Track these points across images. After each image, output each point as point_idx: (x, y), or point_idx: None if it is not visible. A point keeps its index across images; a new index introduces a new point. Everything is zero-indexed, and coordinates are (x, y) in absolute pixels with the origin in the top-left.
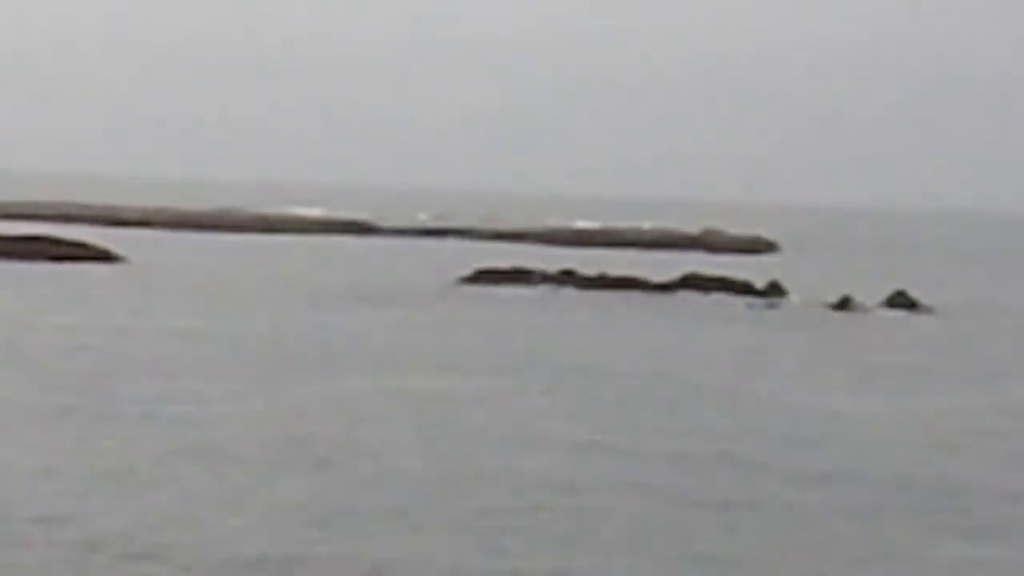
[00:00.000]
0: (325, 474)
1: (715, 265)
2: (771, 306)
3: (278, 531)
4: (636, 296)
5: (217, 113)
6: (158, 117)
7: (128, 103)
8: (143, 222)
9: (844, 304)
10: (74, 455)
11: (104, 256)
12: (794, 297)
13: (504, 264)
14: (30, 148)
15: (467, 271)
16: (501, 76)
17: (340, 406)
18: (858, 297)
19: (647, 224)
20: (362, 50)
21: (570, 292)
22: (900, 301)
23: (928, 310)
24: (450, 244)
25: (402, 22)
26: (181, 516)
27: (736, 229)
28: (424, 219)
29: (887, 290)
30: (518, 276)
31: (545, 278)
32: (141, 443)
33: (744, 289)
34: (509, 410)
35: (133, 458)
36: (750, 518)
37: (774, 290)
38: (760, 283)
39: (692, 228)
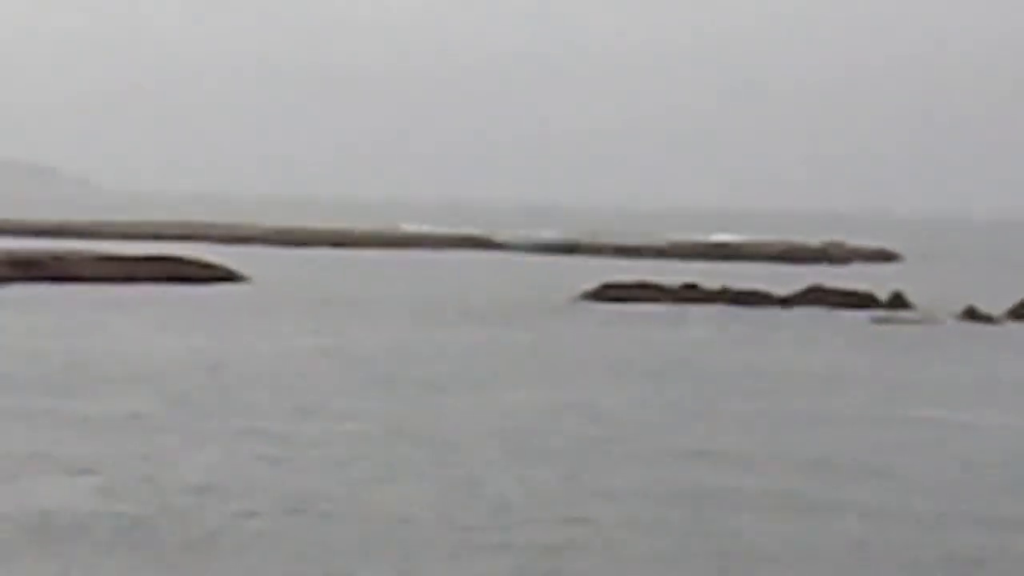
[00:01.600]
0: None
1: (838, 277)
2: (895, 318)
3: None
4: (759, 310)
5: (346, 131)
6: (282, 136)
7: (249, 123)
8: (266, 240)
9: (970, 315)
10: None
11: (228, 276)
12: (918, 308)
13: (628, 279)
14: (159, 169)
15: (591, 286)
16: (624, 91)
17: (479, 420)
18: (983, 307)
19: (769, 236)
20: (485, 65)
21: (693, 306)
22: None
23: None
24: (573, 260)
25: (526, 36)
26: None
27: (858, 240)
28: (548, 234)
29: (1011, 300)
30: (642, 291)
31: (667, 292)
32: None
33: (867, 301)
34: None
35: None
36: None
37: (897, 301)
38: (883, 295)
39: (814, 240)
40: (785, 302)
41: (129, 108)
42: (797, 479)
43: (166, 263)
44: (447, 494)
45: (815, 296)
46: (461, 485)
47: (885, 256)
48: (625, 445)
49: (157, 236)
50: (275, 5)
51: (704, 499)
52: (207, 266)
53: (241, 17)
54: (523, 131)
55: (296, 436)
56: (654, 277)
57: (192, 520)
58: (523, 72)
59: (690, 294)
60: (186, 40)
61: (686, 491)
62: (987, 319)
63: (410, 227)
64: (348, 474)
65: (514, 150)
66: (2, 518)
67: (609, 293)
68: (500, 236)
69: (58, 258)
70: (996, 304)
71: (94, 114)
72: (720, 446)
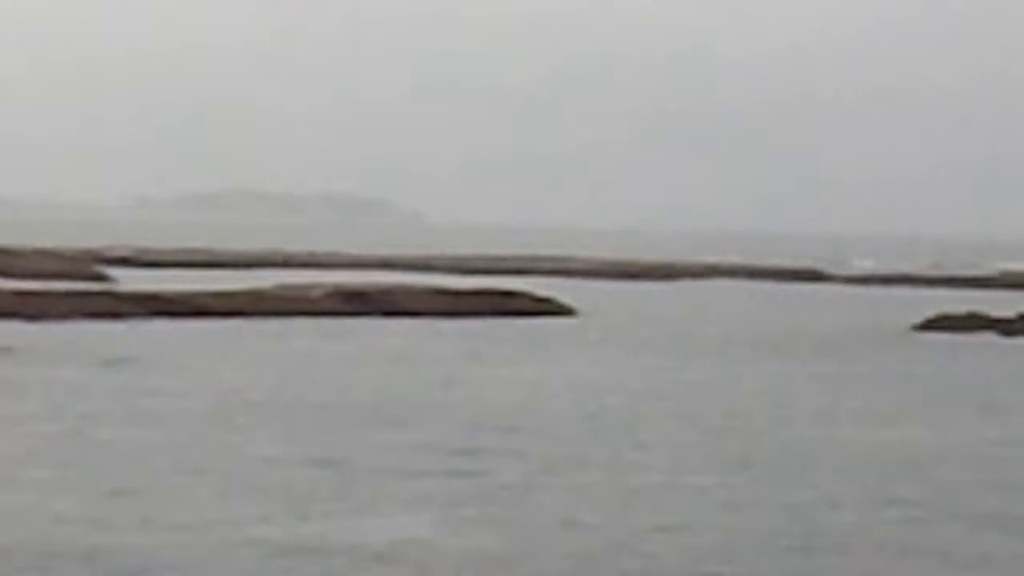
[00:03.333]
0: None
1: None
2: None
3: None
4: None
5: (655, 163)
6: (604, 168)
7: (577, 156)
8: (594, 273)
9: None
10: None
11: (557, 309)
12: None
13: (960, 310)
14: (489, 203)
15: (922, 317)
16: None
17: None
18: None
19: None
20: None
21: None
22: None
23: None
24: (902, 290)
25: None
26: None
27: None
28: (872, 266)
29: None
30: (974, 321)
31: (1001, 323)
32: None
33: None
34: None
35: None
36: None
37: None
38: None
39: None
40: None
41: (471, 143)
42: None
43: (494, 296)
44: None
45: None
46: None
47: None
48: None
49: (486, 270)
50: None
51: None
52: (536, 299)
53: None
54: (843, 163)
55: (625, 478)
56: (986, 308)
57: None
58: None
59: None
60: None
61: None
62: None
63: (716, 259)
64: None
65: (852, 183)
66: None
67: (942, 324)
68: (830, 268)
69: (387, 291)
70: None
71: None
72: None
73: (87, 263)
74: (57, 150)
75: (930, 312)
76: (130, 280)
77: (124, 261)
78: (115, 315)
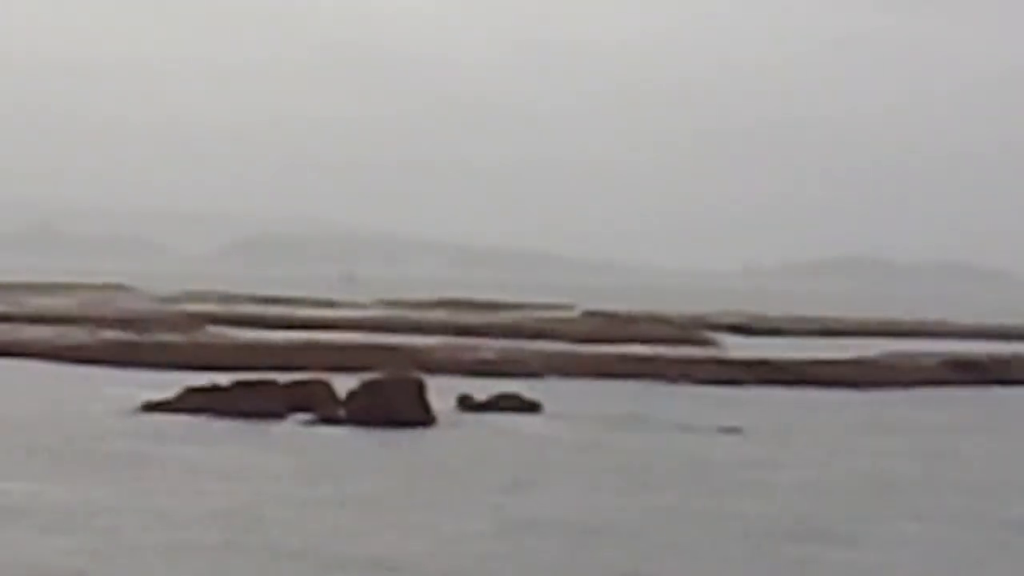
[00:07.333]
0: None
1: None
2: None
3: None
4: None
5: None
6: None
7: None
8: None
9: None
10: None
11: None
12: None
13: None
14: None
15: None
16: None
17: None
18: None
19: None
20: None
21: None
22: None
23: None
24: None
25: None
26: None
27: None
28: None
29: None
30: None
31: None
32: None
33: None
34: None
35: None
36: None
37: None
38: None
39: None
40: None
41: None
42: None
43: None
44: None
45: None
46: None
47: None
48: None
49: None
50: None
51: None
52: None
53: None
54: None
55: None
56: None
57: None
58: None
59: None
60: None
61: None
62: None
63: None
64: None
65: None
66: None
67: None
68: None
69: (1001, 361)
70: None
71: None
72: None
73: (697, 329)
74: (657, 218)
75: None
76: (737, 347)
77: (734, 328)
78: (722, 382)
